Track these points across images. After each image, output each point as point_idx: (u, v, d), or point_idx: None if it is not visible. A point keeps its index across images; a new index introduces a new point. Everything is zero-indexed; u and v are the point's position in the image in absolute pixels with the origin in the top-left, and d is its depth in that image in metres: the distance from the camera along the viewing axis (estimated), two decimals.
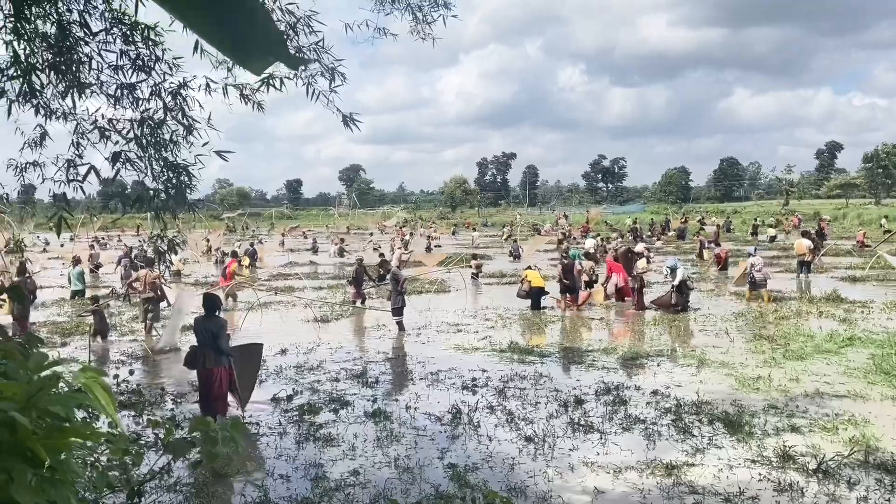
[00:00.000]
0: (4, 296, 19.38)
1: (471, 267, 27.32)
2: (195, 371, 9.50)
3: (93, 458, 3.46)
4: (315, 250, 37.95)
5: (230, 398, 9.57)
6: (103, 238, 55.54)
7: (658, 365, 12.33)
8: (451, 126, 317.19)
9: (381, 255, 28.94)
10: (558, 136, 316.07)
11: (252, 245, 37.83)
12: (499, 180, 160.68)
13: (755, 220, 55.29)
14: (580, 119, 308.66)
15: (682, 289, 18.13)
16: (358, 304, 19.94)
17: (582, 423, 9.11)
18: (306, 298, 20.59)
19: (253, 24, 1.58)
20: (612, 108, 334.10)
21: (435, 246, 43.24)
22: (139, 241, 39.19)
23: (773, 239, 43.54)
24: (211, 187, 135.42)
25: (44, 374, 1.93)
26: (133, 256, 26.89)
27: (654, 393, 10.39)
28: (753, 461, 7.69)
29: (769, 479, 7.17)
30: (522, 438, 8.50)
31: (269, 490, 6.89)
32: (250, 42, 1.61)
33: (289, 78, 6.13)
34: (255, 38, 1.60)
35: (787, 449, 7.87)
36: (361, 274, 20.73)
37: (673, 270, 18.31)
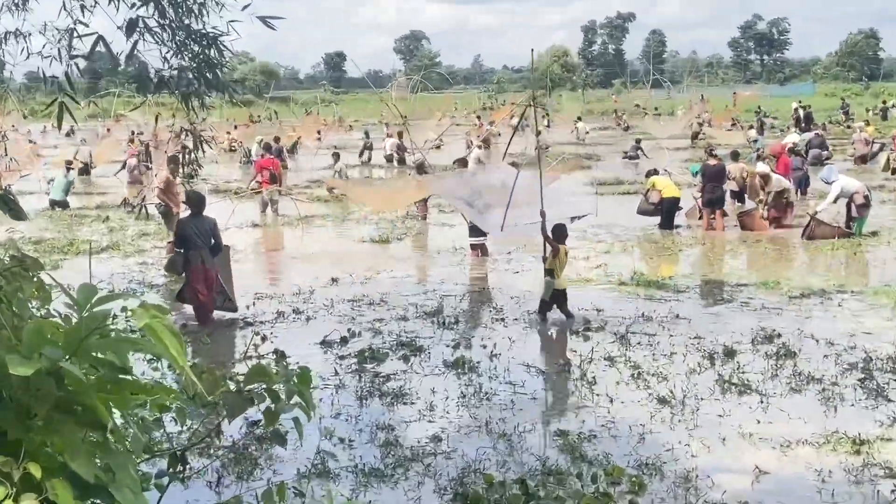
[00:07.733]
0: None
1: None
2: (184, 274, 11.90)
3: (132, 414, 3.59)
4: (368, 148, 38.26)
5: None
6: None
7: (839, 305, 12.10)
8: None
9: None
10: None
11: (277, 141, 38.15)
12: (611, 51, 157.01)
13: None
14: None
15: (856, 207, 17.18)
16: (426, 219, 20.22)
17: (734, 381, 9.06)
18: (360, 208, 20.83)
19: None
20: None
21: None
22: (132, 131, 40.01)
23: None
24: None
25: (94, 311, 1.98)
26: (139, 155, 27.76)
27: (832, 343, 10.23)
28: None
29: None
30: (655, 400, 8.52)
31: (328, 459, 7.11)
32: None
33: None
34: None
35: None
36: None
37: (829, 183, 17.28)
